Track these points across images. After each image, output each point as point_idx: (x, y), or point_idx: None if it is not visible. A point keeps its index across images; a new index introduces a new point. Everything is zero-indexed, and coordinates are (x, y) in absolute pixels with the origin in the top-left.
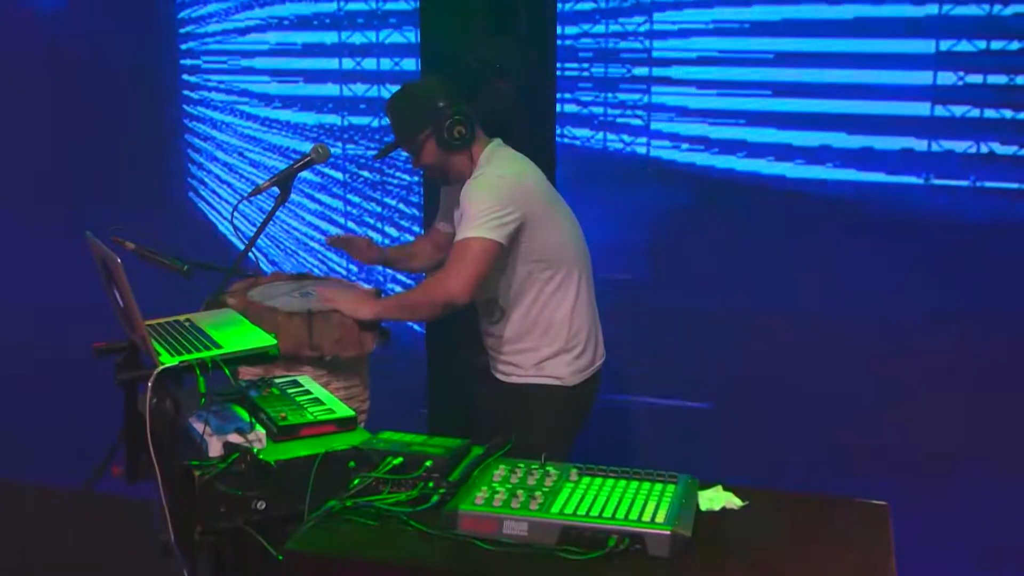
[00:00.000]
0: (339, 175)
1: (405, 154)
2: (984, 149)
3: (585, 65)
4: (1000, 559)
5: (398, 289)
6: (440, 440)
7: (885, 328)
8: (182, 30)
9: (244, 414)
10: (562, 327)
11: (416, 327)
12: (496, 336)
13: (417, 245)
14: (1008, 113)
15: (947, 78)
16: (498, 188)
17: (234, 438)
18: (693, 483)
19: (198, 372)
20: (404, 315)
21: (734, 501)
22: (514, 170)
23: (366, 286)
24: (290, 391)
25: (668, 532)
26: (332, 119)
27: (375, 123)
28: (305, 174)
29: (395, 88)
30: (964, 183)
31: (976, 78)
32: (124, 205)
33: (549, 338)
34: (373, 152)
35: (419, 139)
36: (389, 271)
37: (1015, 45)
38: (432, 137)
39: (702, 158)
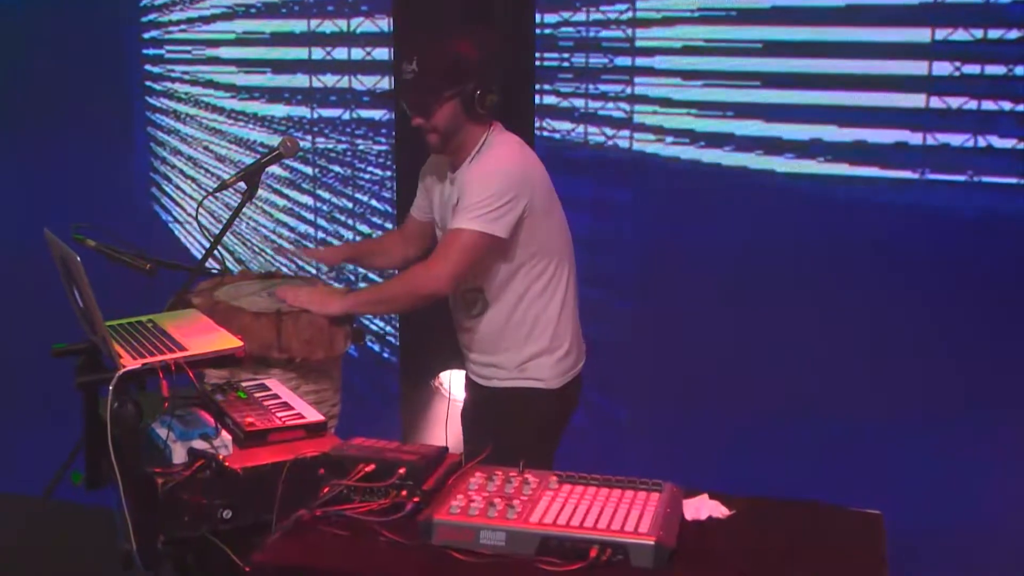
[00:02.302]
0: (309, 170)
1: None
2: (982, 142)
3: (565, 55)
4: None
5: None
6: (414, 446)
7: (882, 328)
8: (144, 18)
9: (209, 419)
10: (548, 325)
11: (389, 328)
12: (475, 332)
13: (384, 240)
14: (1006, 105)
15: (943, 68)
16: (504, 174)
17: (199, 444)
18: (678, 491)
19: (161, 375)
20: (379, 309)
21: (720, 510)
22: (521, 156)
23: (336, 285)
24: (257, 395)
25: (652, 542)
26: (301, 111)
27: (346, 116)
28: (273, 169)
29: (367, 79)
30: (961, 178)
31: (973, 68)
32: (84, 201)
33: (533, 337)
34: (344, 146)
35: (442, 96)
36: (361, 269)
37: (1014, 34)
38: (456, 99)
39: (687, 152)
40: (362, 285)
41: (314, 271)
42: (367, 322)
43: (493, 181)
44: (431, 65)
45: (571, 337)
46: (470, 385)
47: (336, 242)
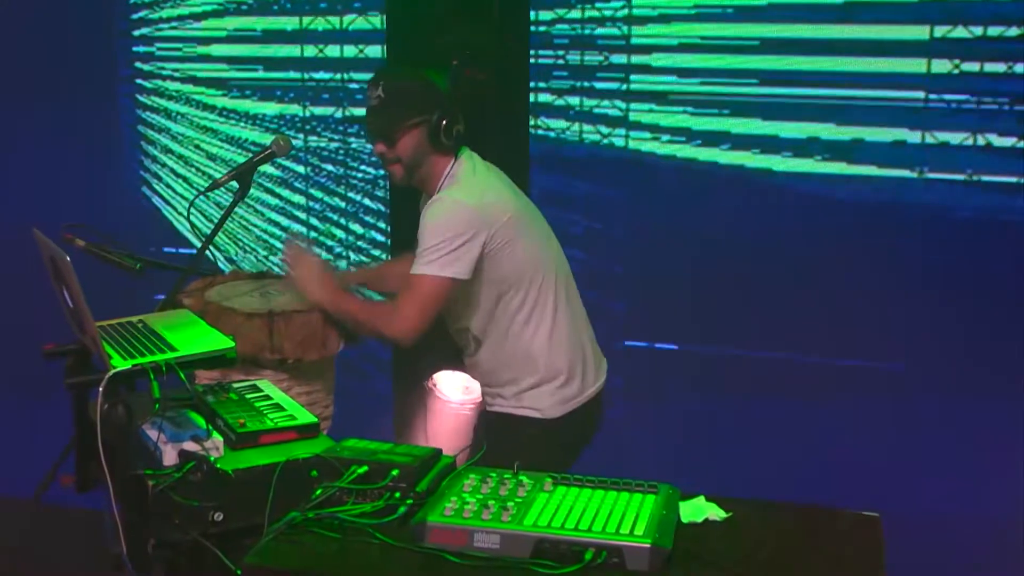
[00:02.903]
0: (301, 169)
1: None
2: (981, 141)
3: (560, 52)
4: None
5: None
6: (408, 448)
7: (881, 327)
8: (135, 15)
9: (200, 421)
10: (540, 355)
11: None
12: (475, 368)
13: (394, 264)
14: (1006, 103)
15: (942, 66)
16: (455, 215)
17: (190, 446)
18: (674, 493)
19: (152, 376)
20: (350, 324)
21: (717, 512)
22: (476, 191)
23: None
24: (249, 396)
25: (648, 545)
26: (294, 109)
27: (339, 114)
28: (265, 168)
29: (360, 77)
30: (960, 176)
31: (973, 66)
32: (74, 200)
33: (529, 368)
34: (337, 144)
35: (407, 124)
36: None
37: (1014, 31)
38: (422, 128)
39: (684, 150)
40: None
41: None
42: None
43: (447, 222)
44: (396, 92)
45: (569, 364)
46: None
47: (329, 242)
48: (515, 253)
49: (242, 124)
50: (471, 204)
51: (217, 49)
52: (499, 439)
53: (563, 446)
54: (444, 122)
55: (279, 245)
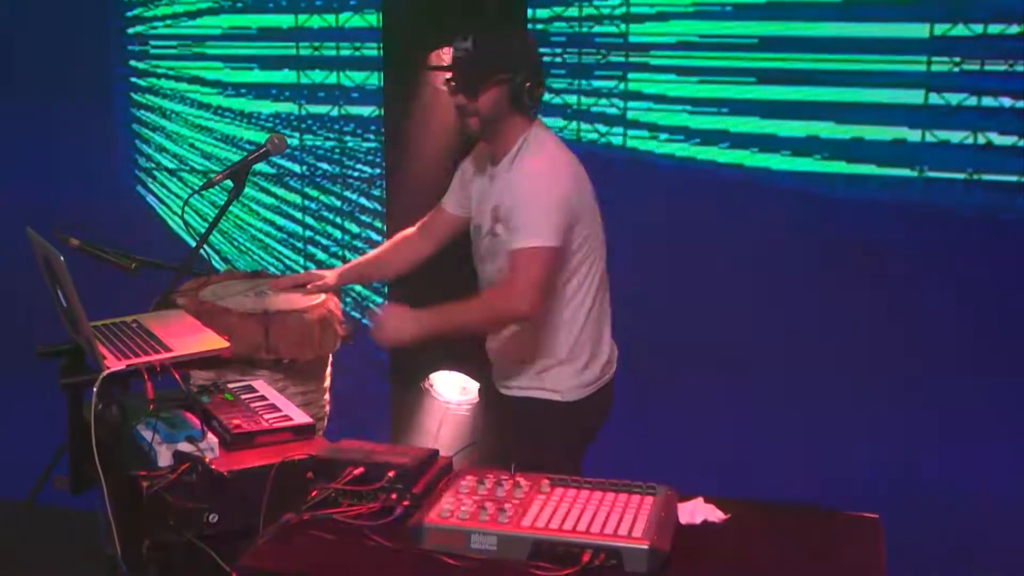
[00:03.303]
0: (297, 167)
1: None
2: (981, 139)
3: (557, 50)
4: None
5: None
6: (404, 449)
7: (880, 327)
8: (129, 13)
9: (195, 421)
10: (573, 336)
11: None
12: (504, 342)
13: (394, 247)
14: (1007, 101)
15: (942, 64)
16: (553, 181)
17: (184, 447)
18: (672, 495)
19: (146, 377)
20: (458, 335)
21: (716, 514)
22: (565, 161)
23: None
24: (244, 397)
25: (646, 547)
26: (289, 107)
27: (335, 112)
28: (260, 166)
29: (356, 75)
30: (960, 175)
31: (973, 64)
32: (68, 200)
33: (559, 347)
34: (333, 142)
35: (494, 79)
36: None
37: (1014, 29)
38: (505, 85)
39: (682, 149)
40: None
41: (301, 270)
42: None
43: (550, 192)
44: (487, 46)
45: (592, 347)
46: (489, 392)
47: (325, 241)
48: (587, 229)
49: (237, 122)
50: (563, 171)
51: (212, 47)
52: (517, 422)
53: (581, 430)
54: (528, 84)
55: (274, 244)
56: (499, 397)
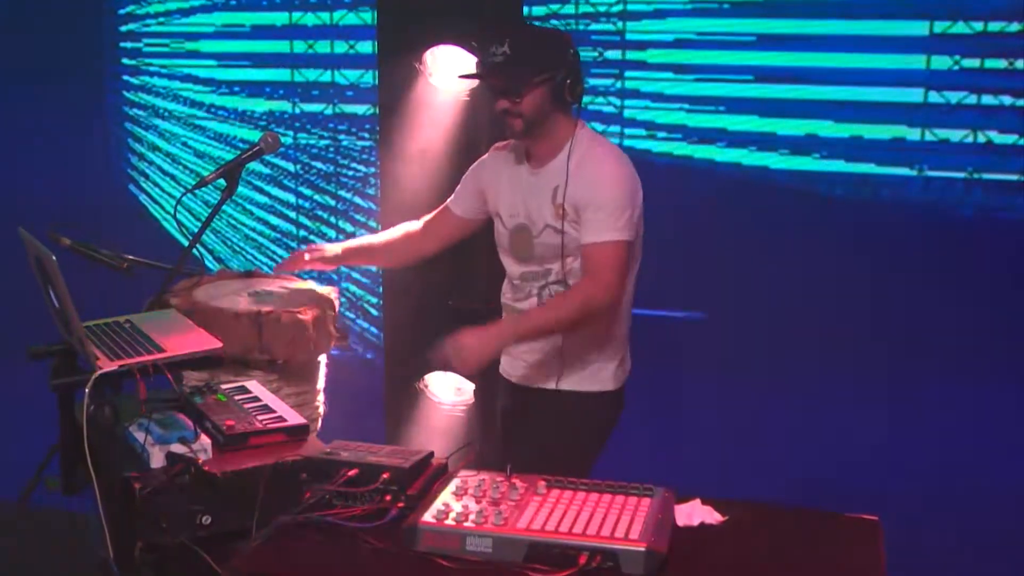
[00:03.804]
0: (290, 166)
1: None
2: (981, 138)
3: None
4: None
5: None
6: (399, 450)
7: (879, 326)
8: (121, 11)
9: (188, 422)
10: (620, 334)
11: (374, 329)
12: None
13: (399, 238)
14: (1007, 99)
15: (942, 62)
16: (626, 179)
17: (177, 448)
18: (669, 496)
19: (139, 377)
20: (547, 334)
21: (713, 515)
22: (626, 158)
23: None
24: (237, 398)
25: (643, 549)
26: (283, 106)
27: (329, 111)
28: (254, 165)
29: (350, 73)
30: (960, 174)
31: (973, 62)
32: (60, 198)
33: (612, 345)
34: (327, 141)
35: (533, 81)
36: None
37: (1015, 26)
38: (549, 84)
39: (679, 147)
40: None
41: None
42: (350, 323)
43: (618, 188)
44: (524, 48)
45: (626, 339)
46: (511, 388)
47: (319, 240)
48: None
49: (230, 121)
50: (630, 170)
51: (205, 45)
52: (562, 417)
53: (612, 421)
54: (569, 80)
55: (268, 244)
56: (535, 392)
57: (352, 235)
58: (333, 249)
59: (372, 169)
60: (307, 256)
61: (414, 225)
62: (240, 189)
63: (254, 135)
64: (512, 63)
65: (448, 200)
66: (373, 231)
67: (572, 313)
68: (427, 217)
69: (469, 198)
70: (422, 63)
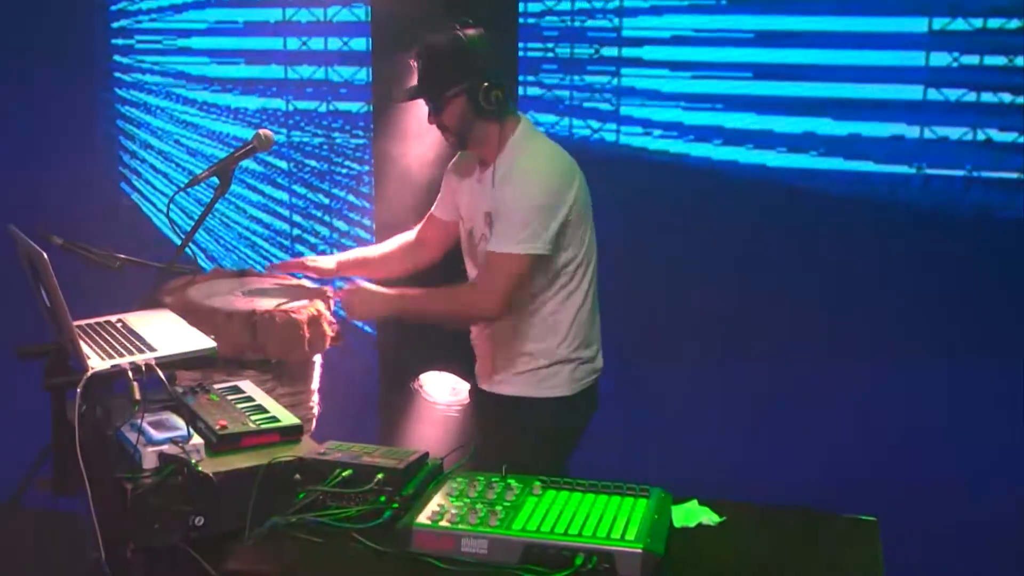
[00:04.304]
0: (284, 164)
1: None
2: (981, 136)
3: (550, 45)
4: None
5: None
6: (393, 451)
7: (878, 326)
8: (113, 7)
9: (181, 423)
10: (562, 333)
11: (368, 329)
12: (491, 338)
13: (395, 249)
14: (1007, 97)
15: (941, 59)
16: (541, 188)
17: (170, 449)
18: (666, 497)
19: (131, 377)
20: (424, 321)
21: (711, 517)
22: (555, 161)
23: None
24: (230, 398)
25: (639, 550)
26: (276, 103)
27: (322, 108)
28: (247, 163)
29: (344, 70)
30: (959, 172)
31: (972, 59)
32: (51, 196)
33: (549, 344)
34: (321, 139)
35: (449, 94)
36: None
37: (1014, 23)
38: (464, 96)
39: (676, 145)
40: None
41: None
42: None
43: (529, 197)
44: (433, 62)
45: (584, 342)
46: (476, 391)
47: (313, 239)
48: (581, 227)
49: (223, 118)
50: (554, 175)
51: (198, 42)
52: (508, 422)
53: (569, 430)
54: (484, 86)
55: (261, 243)
56: (486, 396)
57: (346, 233)
58: (328, 263)
59: (366, 167)
60: (308, 263)
61: (408, 235)
62: (233, 187)
63: (247, 133)
64: (424, 79)
65: (433, 206)
66: (367, 228)
67: (450, 312)
68: (419, 226)
69: (447, 201)
70: (416, 60)
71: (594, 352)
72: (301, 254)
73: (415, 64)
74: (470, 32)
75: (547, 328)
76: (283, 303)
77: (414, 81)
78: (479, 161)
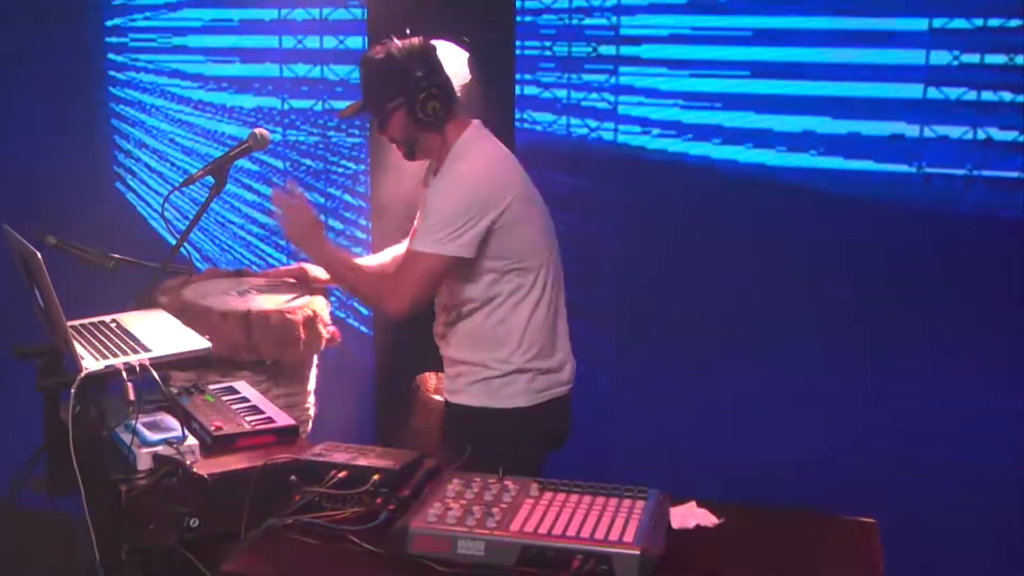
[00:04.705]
0: (279, 163)
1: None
2: (981, 135)
3: (547, 43)
4: None
5: None
6: (390, 452)
7: (877, 326)
8: (107, 5)
9: (175, 424)
10: (514, 340)
11: (364, 329)
12: (446, 340)
13: (388, 264)
14: (1007, 96)
15: (941, 57)
16: (468, 191)
17: (164, 450)
18: (664, 499)
19: (125, 378)
20: (346, 290)
21: (709, 518)
22: (484, 166)
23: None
24: (225, 398)
25: (637, 552)
26: (271, 102)
27: (318, 106)
28: (242, 162)
29: (340, 69)
30: (959, 171)
31: (972, 57)
32: (45, 196)
33: (501, 351)
34: (316, 138)
35: (388, 108)
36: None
37: (1015, 22)
38: (403, 108)
39: (674, 145)
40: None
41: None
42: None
43: (453, 199)
44: (368, 79)
45: (540, 352)
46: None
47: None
48: (520, 233)
49: (218, 117)
50: (480, 180)
51: (193, 40)
52: (468, 434)
53: (534, 442)
54: (421, 98)
55: (256, 242)
56: (450, 405)
57: (342, 233)
58: (322, 273)
59: (362, 167)
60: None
61: (400, 248)
62: (228, 186)
63: (242, 132)
64: (365, 95)
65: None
66: (363, 228)
67: (364, 294)
68: (408, 239)
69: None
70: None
71: (558, 363)
72: (296, 254)
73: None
74: (404, 44)
75: (498, 336)
76: (279, 303)
77: None
78: (434, 169)
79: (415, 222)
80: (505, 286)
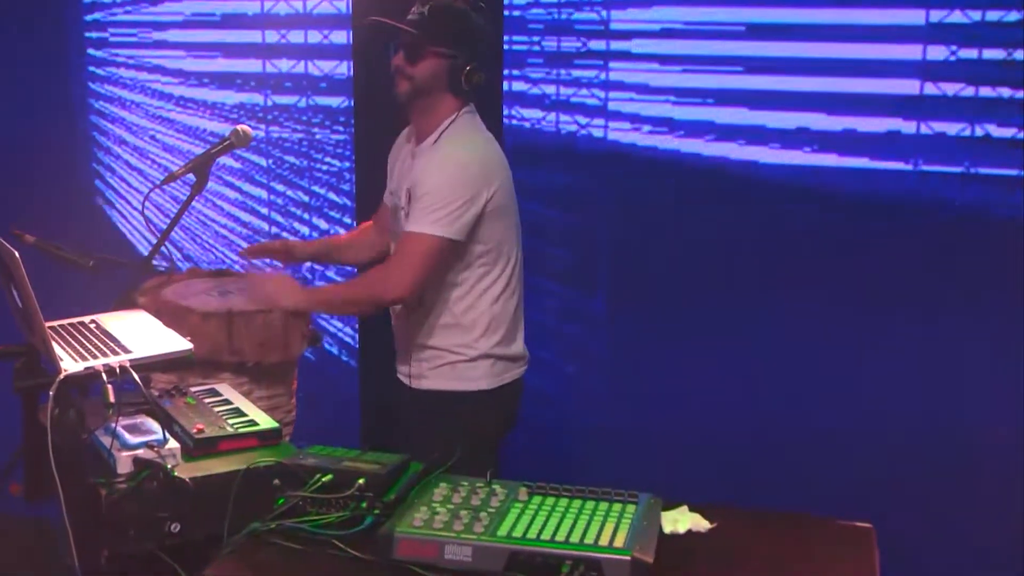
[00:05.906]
0: (262, 161)
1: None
2: (979, 132)
3: (535, 38)
4: None
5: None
6: (375, 455)
7: (874, 326)
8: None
9: (156, 426)
10: (478, 328)
11: (349, 328)
12: (407, 328)
13: (356, 234)
14: (1005, 92)
15: (938, 52)
16: (464, 172)
17: (145, 453)
18: (656, 503)
19: (105, 380)
20: (340, 310)
21: (701, 523)
22: (481, 150)
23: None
24: (207, 401)
25: (628, 558)
26: (254, 98)
27: (302, 103)
28: (224, 160)
29: (325, 64)
30: (957, 169)
31: (970, 53)
32: (23, 194)
33: (464, 337)
34: (300, 135)
35: (434, 50)
36: (317, 267)
37: (1013, 16)
38: (445, 60)
39: (665, 141)
40: (320, 283)
41: (267, 268)
42: (324, 323)
43: (448, 180)
44: (439, 17)
45: (502, 339)
46: (399, 387)
47: (291, 237)
48: (500, 221)
49: (200, 113)
50: (477, 163)
51: (174, 35)
52: (432, 417)
53: (495, 423)
54: (468, 67)
55: (239, 241)
56: (409, 392)
57: (326, 232)
58: (302, 248)
59: (347, 164)
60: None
61: (374, 222)
62: (210, 184)
63: (224, 128)
64: (422, 26)
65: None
66: (348, 227)
67: (358, 298)
68: (375, 214)
69: (392, 185)
70: (422, 4)
71: (519, 349)
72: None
73: (422, 10)
74: (481, 15)
75: (464, 322)
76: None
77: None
78: (414, 136)
79: (386, 192)
80: (474, 272)
